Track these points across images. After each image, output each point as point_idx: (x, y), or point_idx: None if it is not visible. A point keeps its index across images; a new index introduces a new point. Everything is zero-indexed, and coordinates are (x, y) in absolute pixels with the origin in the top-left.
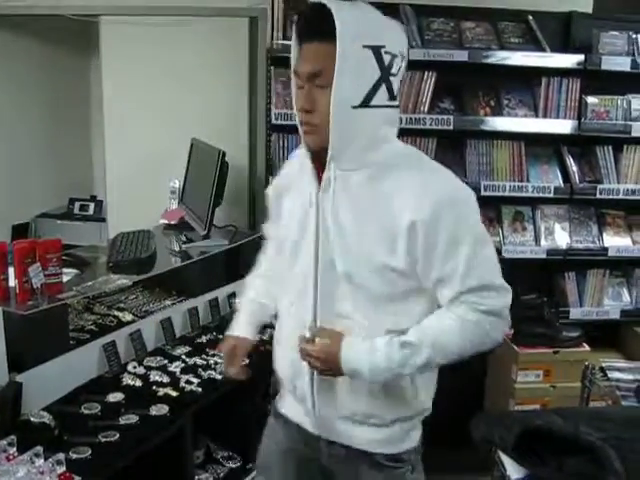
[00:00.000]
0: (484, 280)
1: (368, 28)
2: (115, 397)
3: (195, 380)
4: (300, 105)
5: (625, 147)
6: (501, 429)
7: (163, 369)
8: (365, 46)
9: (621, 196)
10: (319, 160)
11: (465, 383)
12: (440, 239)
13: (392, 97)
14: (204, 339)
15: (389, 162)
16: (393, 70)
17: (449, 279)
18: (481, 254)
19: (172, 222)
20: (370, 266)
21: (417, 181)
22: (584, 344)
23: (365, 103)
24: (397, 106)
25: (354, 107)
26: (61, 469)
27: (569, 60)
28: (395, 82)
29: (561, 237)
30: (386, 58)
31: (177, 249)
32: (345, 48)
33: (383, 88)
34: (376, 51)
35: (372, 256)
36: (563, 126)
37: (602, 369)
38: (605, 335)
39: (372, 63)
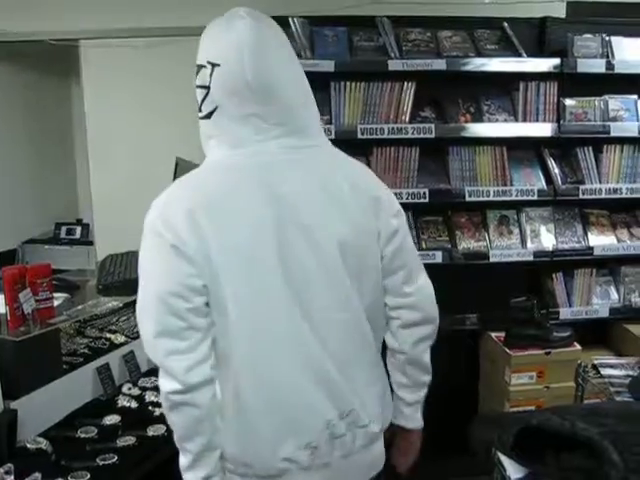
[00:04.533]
0: None
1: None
2: (111, 419)
3: None
4: None
5: (605, 147)
6: (498, 430)
7: (158, 389)
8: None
9: (604, 195)
10: None
11: (458, 389)
12: None
13: (199, 109)
14: None
15: None
16: (197, 82)
17: None
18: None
19: None
20: None
21: None
22: (575, 343)
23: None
24: (206, 116)
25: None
26: None
27: (545, 64)
28: (199, 94)
29: (547, 239)
30: (201, 72)
31: None
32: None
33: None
34: (197, 69)
35: None
36: (543, 129)
37: (594, 367)
38: (595, 333)
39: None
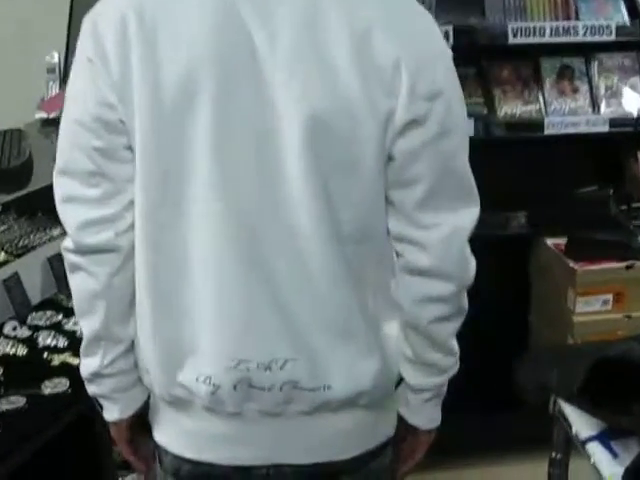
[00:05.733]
0: None
1: None
2: None
3: None
4: None
5: None
6: (560, 369)
7: (57, 328)
8: None
9: None
10: None
11: (500, 318)
12: None
13: None
14: None
15: None
16: None
17: None
18: None
19: (53, 115)
20: None
21: None
22: None
23: None
24: None
25: None
26: None
27: None
28: None
29: (630, 100)
30: None
31: None
32: None
33: None
34: None
35: None
36: None
37: None
38: None
39: None
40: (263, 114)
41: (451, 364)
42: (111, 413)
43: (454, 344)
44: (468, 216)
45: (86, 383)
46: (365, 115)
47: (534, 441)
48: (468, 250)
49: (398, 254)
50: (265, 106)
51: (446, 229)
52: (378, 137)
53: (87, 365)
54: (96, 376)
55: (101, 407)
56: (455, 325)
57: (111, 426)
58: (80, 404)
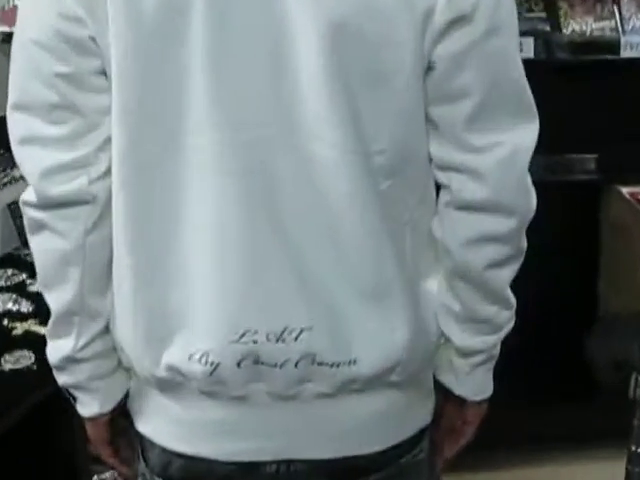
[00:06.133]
0: None
1: None
2: None
3: None
4: None
5: None
6: None
7: (20, 290)
8: None
9: None
10: None
11: (565, 282)
12: None
13: None
14: None
15: None
16: None
17: None
18: None
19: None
20: None
21: None
22: None
23: None
24: None
25: None
26: None
27: None
28: None
29: None
30: None
31: None
32: None
33: None
34: None
35: None
36: None
37: None
38: None
39: None
40: (271, 22)
41: (507, 319)
42: (89, 407)
43: (510, 294)
44: (529, 134)
45: (55, 372)
46: (397, 14)
47: (609, 433)
48: (529, 178)
49: (443, 186)
50: (272, 12)
51: (503, 151)
52: (414, 40)
53: (57, 349)
54: (69, 362)
55: (75, 400)
56: (513, 270)
57: (88, 424)
58: (48, 382)
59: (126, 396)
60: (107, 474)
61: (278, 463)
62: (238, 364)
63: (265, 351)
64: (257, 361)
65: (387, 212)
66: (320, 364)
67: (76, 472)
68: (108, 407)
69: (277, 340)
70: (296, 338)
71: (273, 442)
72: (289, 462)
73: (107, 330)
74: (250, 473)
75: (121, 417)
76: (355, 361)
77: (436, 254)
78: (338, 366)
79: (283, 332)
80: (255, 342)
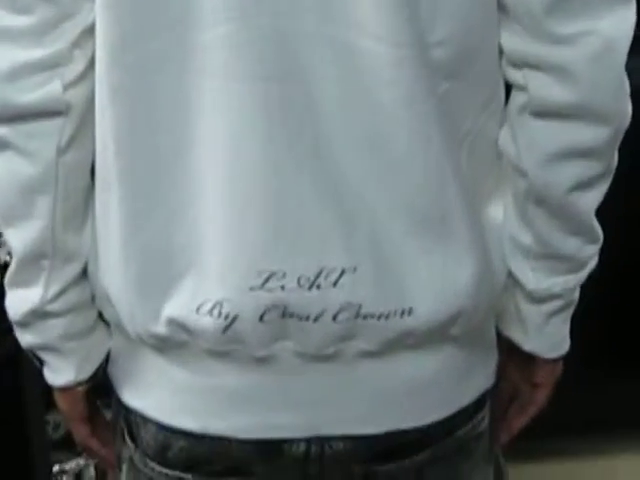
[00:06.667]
0: None
1: None
2: None
3: None
4: None
5: None
6: None
7: None
8: None
9: None
10: None
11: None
12: None
13: None
14: None
15: None
16: None
17: None
18: None
19: None
20: None
21: None
22: None
23: None
24: None
25: None
26: None
27: None
28: None
29: None
30: None
31: None
32: None
33: None
34: None
35: None
36: None
37: None
38: None
39: None
40: None
41: (591, 255)
42: (61, 374)
43: (596, 224)
44: (626, 21)
45: (17, 329)
46: None
47: None
48: (625, 76)
49: (517, 88)
50: None
51: (596, 41)
52: None
53: (20, 300)
54: (36, 317)
55: (42, 364)
56: (601, 193)
57: (60, 395)
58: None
59: (107, 360)
60: (72, 463)
61: (308, 441)
62: (261, 317)
63: (295, 300)
64: (285, 313)
65: (445, 120)
66: (366, 316)
67: (30, 462)
68: (86, 374)
69: (311, 286)
70: (335, 283)
71: (302, 415)
72: (323, 439)
73: (84, 276)
74: (271, 456)
75: (97, 387)
76: (410, 311)
77: (500, 172)
78: (387, 317)
79: (318, 275)
80: (282, 288)
